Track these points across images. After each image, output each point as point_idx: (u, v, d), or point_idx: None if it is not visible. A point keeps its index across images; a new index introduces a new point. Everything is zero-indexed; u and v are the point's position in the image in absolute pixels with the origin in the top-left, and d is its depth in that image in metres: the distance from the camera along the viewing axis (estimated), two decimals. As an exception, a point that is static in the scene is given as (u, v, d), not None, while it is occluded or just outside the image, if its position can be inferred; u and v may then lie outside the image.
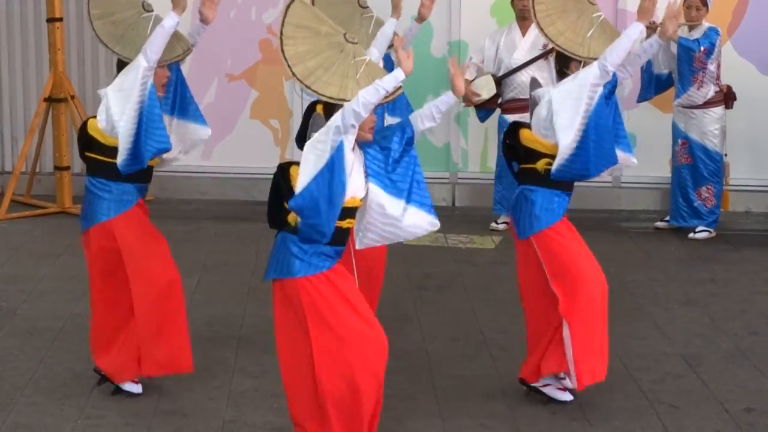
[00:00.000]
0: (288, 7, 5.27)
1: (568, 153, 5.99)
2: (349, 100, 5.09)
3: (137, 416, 6.02)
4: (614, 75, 6.06)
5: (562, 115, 5.99)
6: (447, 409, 6.13)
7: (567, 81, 6.12)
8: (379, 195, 5.19)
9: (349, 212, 5.19)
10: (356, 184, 5.16)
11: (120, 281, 6.17)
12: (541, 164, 6.11)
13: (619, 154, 6.21)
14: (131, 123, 5.95)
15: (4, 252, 9.06)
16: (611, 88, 6.09)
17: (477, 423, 5.99)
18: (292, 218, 5.18)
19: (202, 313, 7.40)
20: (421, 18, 7.14)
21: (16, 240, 9.44)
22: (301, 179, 5.07)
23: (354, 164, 5.16)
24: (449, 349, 7.04)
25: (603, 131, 6.03)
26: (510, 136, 6.24)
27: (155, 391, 6.30)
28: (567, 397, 6.23)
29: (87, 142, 6.19)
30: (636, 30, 6.06)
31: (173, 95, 6.30)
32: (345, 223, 5.20)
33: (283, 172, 5.22)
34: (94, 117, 6.19)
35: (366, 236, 5.28)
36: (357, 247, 5.34)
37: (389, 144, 5.24)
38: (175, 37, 6.19)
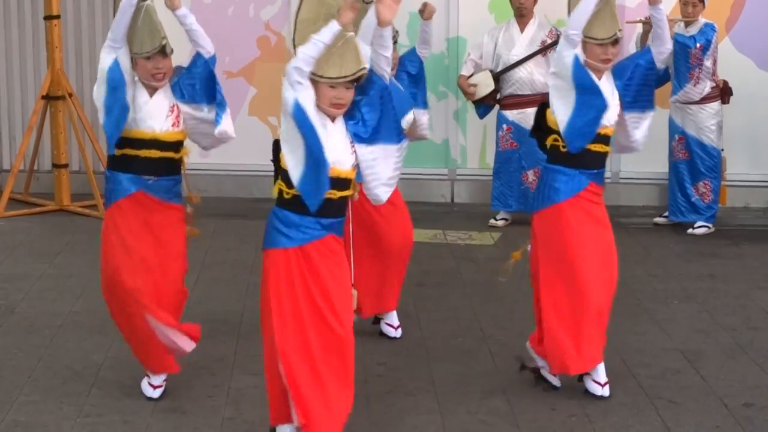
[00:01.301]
0: None
1: (563, 126, 6.02)
2: (329, 77, 5.03)
3: (136, 414, 6.01)
4: (650, 53, 6.21)
5: (553, 93, 6.06)
6: (446, 405, 6.13)
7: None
8: (368, 150, 5.24)
9: (335, 183, 5.13)
10: (337, 154, 5.12)
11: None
12: (549, 140, 6.13)
13: None
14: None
15: (2, 250, 9.05)
16: (646, 62, 6.27)
17: (476, 419, 5.99)
18: (276, 189, 5.19)
19: (200, 310, 7.38)
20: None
21: (15, 238, 9.43)
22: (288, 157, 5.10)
23: (334, 135, 5.12)
24: (448, 346, 7.04)
25: (588, 93, 5.98)
26: (539, 115, 6.26)
27: (154, 388, 6.29)
28: (557, 381, 6.27)
29: None
30: None
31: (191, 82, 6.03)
32: (331, 194, 5.15)
33: (276, 149, 5.22)
34: None
35: (378, 187, 5.33)
36: (383, 200, 5.36)
37: (360, 107, 5.22)
38: (149, 30, 5.93)
